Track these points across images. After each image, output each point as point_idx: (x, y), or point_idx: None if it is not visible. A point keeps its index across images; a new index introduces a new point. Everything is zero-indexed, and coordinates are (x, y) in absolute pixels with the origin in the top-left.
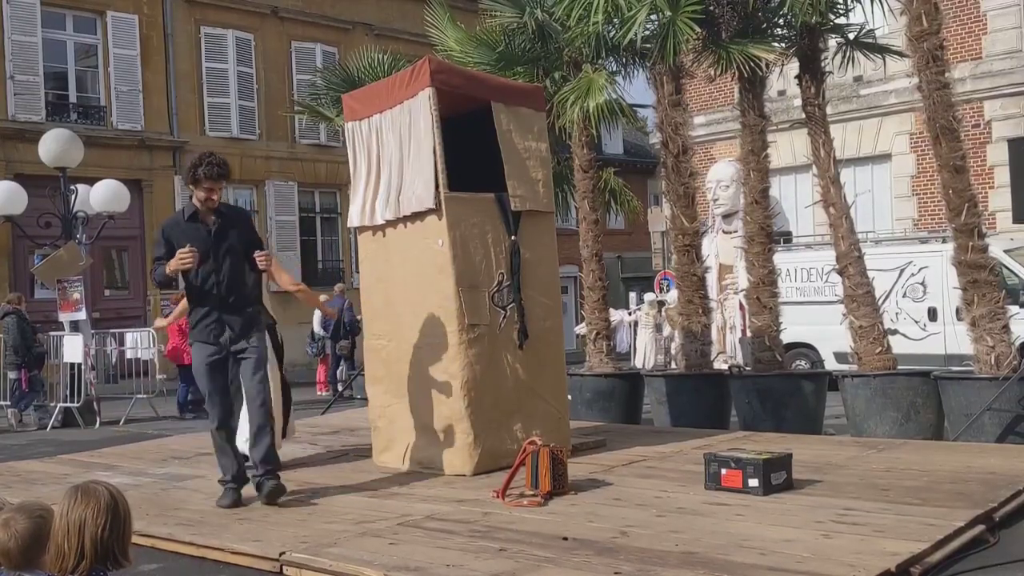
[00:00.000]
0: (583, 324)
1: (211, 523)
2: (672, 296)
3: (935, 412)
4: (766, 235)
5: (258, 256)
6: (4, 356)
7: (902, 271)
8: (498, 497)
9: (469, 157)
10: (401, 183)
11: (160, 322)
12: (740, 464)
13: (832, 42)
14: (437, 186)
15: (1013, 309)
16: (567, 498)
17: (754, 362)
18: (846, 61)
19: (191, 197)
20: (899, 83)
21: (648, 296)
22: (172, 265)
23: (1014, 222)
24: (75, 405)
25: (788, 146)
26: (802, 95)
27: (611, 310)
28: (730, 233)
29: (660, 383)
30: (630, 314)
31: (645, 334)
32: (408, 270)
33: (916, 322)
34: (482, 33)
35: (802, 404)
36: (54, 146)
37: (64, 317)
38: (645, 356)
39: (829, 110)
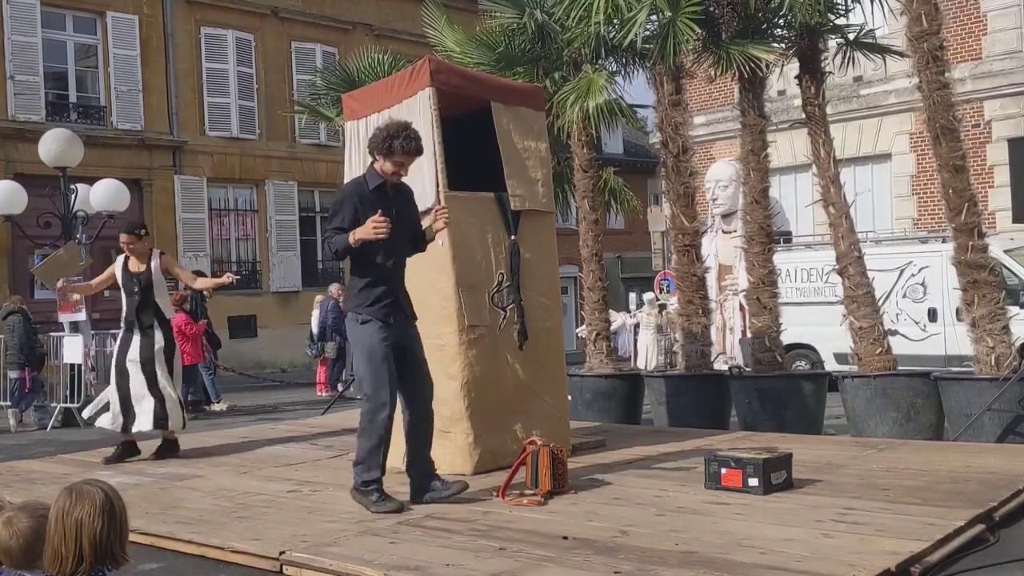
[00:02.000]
0: (584, 327)
1: (211, 521)
2: (674, 300)
3: (935, 412)
4: (766, 235)
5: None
6: (7, 355)
7: (902, 271)
8: (498, 496)
9: (469, 157)
10: None
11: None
12: (740, 464)
13: (832, 42)
14: (437, 186)
15: (1013, 309)
16: (567, 497)
17: (754, 363)
18: (846, 61)
19: (372, 164)
20: (899, 83)
21: (648, 296)
22: (362, 234)
23: (1014, 222)
24: (75, 405)
25: (788, 146)
26: (802, 95)
27: (612, 312)
28: (729, 233)
29: (660, 383)
30: (631, 316)
31: (647, 335)
32: (408, 270)
33: (916, 323)
34: (482, 33)
35: (802, 404)
36: (54, 146)
37: (64, 318)
38: (647, 358)
39: (829, 110)
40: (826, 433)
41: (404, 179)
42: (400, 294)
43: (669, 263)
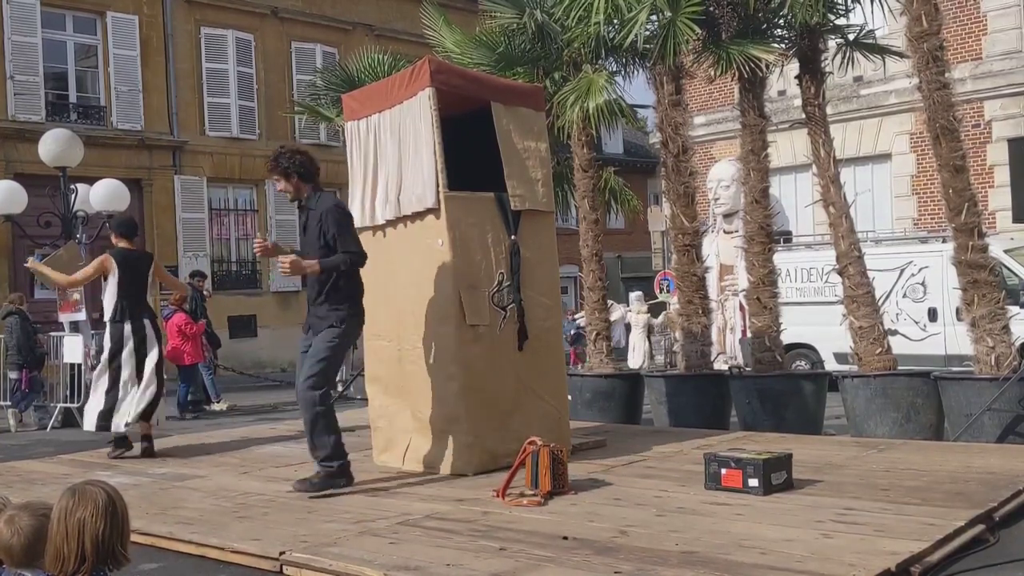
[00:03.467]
0: (580, 314)
1: (211, 522)
2: (674, 299)
3: (935, 412)
4: (766, 235)
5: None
6: (6, 355)
7: (902, 271)
8: (498, 496)
9: (469, 157)
10: (400, 183)
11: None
12: (740, 464)
13: (832, 42)
14: (437, 186)
15: (1013, 309)
16: (567, 498)
17: (754, 362)
18: (846, 61)
19: None
20: (899, 83)
21: (635, 295)
22: None
23: (1014, 222)
24: (75, 405)
25: (788, 146)
26: (802, 95)
27: (612, 303)
28: (731, 233)
29: (660, 383)
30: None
31: (635, 333)
32: (408, 270)
33: (916, 322)
34: (482, 34)
35: (802, 404)
36: (54, 146)
37: (64, 318)
38: (634, 356)
39: (829, 110)
40: (826, 433)
41: (405, 179)
42: (309, 304)
43: (669, 263)
